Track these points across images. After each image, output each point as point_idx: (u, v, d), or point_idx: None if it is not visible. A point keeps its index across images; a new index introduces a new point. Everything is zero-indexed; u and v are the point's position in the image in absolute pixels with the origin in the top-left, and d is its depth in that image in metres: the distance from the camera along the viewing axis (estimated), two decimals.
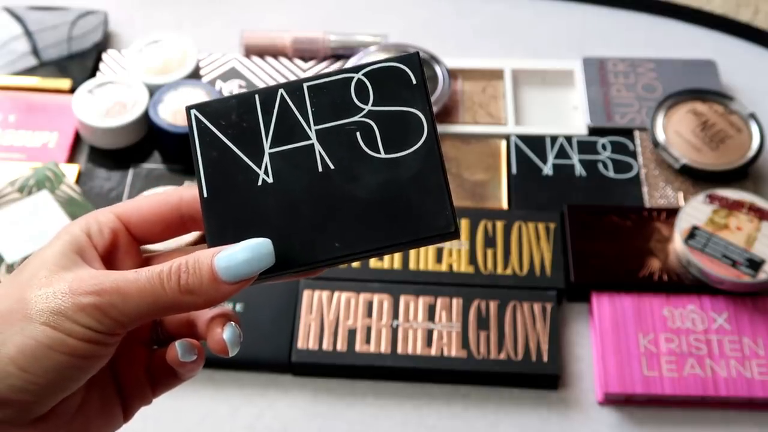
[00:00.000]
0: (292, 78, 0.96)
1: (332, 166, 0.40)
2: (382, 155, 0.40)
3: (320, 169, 0.40)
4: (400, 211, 0.39)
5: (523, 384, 0.75)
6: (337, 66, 0.96)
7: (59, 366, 0.37)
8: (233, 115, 0.41)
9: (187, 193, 0.42)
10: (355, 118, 0.40)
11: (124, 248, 0.42)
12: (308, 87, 0.41)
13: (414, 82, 0.40)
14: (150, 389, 0.43)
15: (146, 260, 0.43)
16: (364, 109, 0.40)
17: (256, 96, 0.41)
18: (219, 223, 0.40)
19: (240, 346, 0.41)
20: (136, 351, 0.43)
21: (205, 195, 0.40)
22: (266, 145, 0.40)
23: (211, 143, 0.40)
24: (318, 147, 0.40)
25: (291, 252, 0.39)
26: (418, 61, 0.41)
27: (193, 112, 0.41)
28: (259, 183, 0.40)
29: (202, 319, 0.42)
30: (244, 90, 0.95)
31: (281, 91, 0.41)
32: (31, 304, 0.37)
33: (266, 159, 0.40)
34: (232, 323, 0.40)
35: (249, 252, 0.38)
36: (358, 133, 0.40)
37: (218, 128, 0.41)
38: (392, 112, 0.40)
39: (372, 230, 0.39)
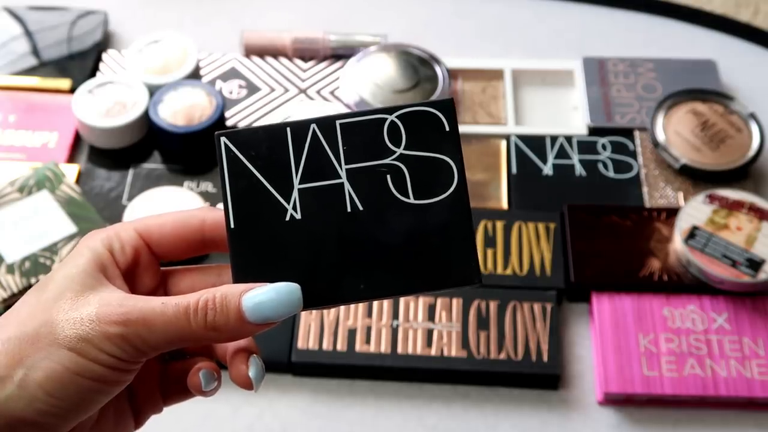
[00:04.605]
0: (293, 78, 0.96)
1: (361, 208, 0.40)
2: (412, 201, 0.40)
3: (349, 210, 0.40)
4: (426, 259, 0.40)
5: (523, 384, 0.75)
6: (337, 65, 0.96)
7: (83, 390, 0.37)
8: (264, 146, 0.40)
9: (210, 216, 0.42)
10: (387, 161, 0.40)
11: (144, 265, 0.42)
12: (341, 124, 0.41)
13: (447, 129, 0.41)
14: (162, 400, 0.44)
15: (165, 275, 0.43)
16: (395, 152, 0.40)
17: (288, 129, 0.41)
18: (245, 257, 0.40)
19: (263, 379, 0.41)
20: (149, 364, 0.43)
21: (232, 226, 0.40)
22: (296, 181, 0.40)
23: (240, 174, 0.40)
24: (348, 186, 0.40)
25: (315, 290, 0.39)
26: (452, 108, 0.41)
27: (223, 140, 0.41)
28: (287, 218, 0.40)
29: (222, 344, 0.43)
30: (244, 88, 0.95)
31: (313, 126, 0.41)
32: (59, 328, 0.37)
33: (295, 194, 0.40)
34: (256, 358, 0.41)
35: (278, 296, 0.38)
36: (388, 176, 0.40)
37: (248, 159, 0.40)
38: (423, 158, 0.40)
39: (397, 275, 0.40)
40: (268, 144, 0.40)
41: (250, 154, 0.40)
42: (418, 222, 0.40)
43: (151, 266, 0.42)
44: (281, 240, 0.40)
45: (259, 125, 0.42)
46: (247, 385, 0.40)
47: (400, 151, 0.40)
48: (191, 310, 0.38)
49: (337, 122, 0.41)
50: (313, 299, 0.39)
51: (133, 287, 0.42)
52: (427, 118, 0.41)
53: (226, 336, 0.39)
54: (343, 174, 0.40)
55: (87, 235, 0.41)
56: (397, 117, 0.41)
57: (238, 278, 0.40)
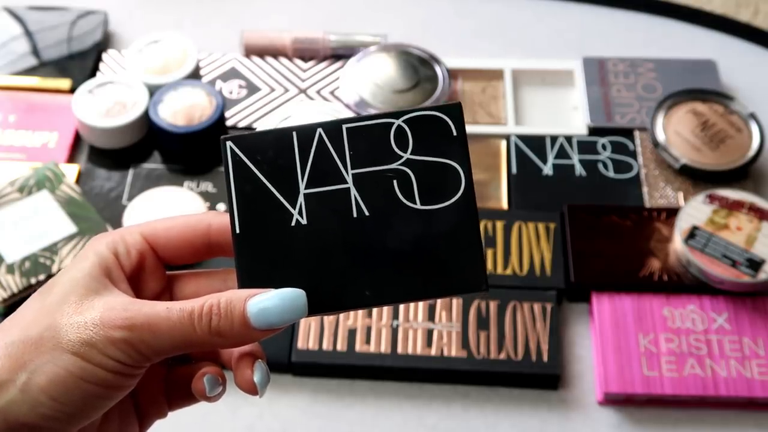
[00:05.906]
0: (293, 78, 0.96)
1: (367, 213, 0.40)
2: (418, 206, 0.40)
3: (355, 215, 0.40)
4: (433, 266, 0.39)
5: (523, 384, 0.75)
6: (337, 65, 0.96)
7: (87, 395, 0.37)
8: (270, 151, 0.40)
9: (216, 221, 0.42)
10: (393, 166, 0.40)
11: (149, 270, 0.42)
12: (347, 129, 0.40)
13: (454, 134, 0.40)
14: (166, 405, 0.44)
15: (170, 279, 0.43)
16: (402, 157, 0.40)
17: (294, 133, 0.40)
18: (250, 262, 0.40)
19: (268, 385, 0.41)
20: (154, 368, 0.43)
21: (237, 231, 0.40)
22: (302, 185, 0.40)
23: (246, 178, 0.40)
24: (354, 192, 0.40)
25: (320, 296, 0.39)
26: (460, 113, 0.40)
27: (229, 144, 0.40)
28: (293, 223, 0.40)
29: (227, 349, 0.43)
30: (244, 88, 0.95)
31: (319, 130, 0.40)
32: (63, 332, 0.37)
33: (301, 199, 0.40)
34: (261, 363, 0.40)
35: (283, 302, 0.38)
36: (395, 181, 0.40)
37: (254, 164, 0.40)
38: (430, 163, 0.40)
39: (403, 282, 0.39)
40: (274, 148, 0.40)
41: (256, 158, 0.40)
42: (424, 228, 0.39)
43: (156, 270, 0.42)
44: (287, 245, 0.40)
45: (265, 129, 0.41)
46: (252, 390, 0.40)
47: (406, 155, 0.40)
48: (196, 315, 0.38)
49: (344, 126, 0.40)
50: (319, 305, 0.39)
51: (138, 291, 0.41)
52: (435, 122, 0.40)
53: (231, 342, 0.38)
54: (349, 179, 0.40)
55: (92, 239, 0.41)
56: (404, 121, 0.40)
57: (243, 283, 0.40)
